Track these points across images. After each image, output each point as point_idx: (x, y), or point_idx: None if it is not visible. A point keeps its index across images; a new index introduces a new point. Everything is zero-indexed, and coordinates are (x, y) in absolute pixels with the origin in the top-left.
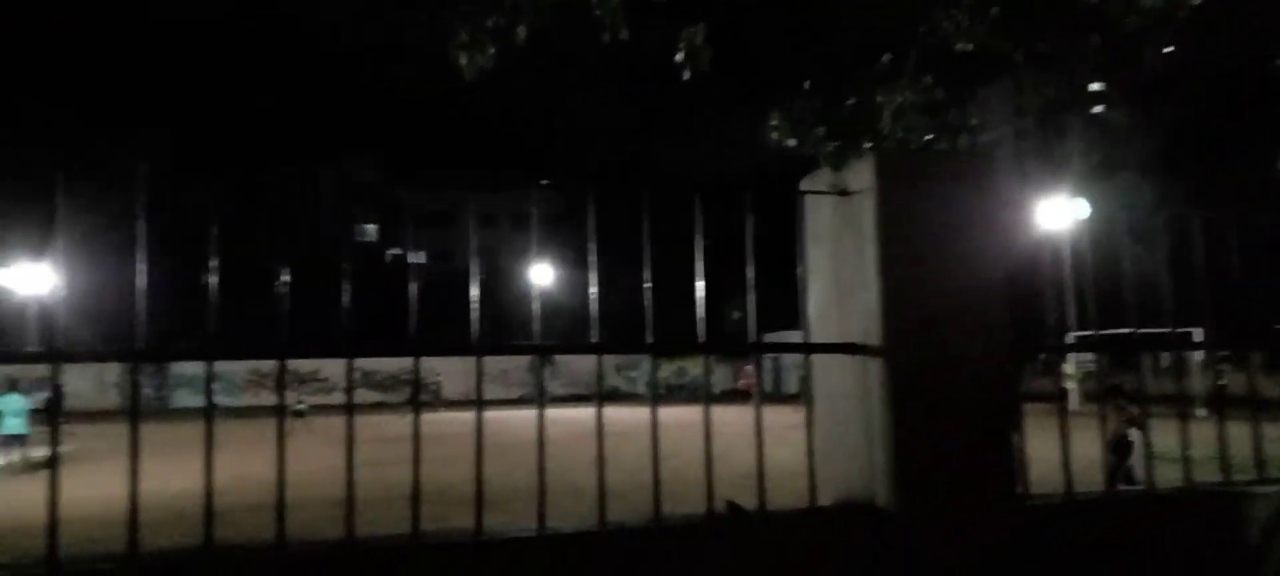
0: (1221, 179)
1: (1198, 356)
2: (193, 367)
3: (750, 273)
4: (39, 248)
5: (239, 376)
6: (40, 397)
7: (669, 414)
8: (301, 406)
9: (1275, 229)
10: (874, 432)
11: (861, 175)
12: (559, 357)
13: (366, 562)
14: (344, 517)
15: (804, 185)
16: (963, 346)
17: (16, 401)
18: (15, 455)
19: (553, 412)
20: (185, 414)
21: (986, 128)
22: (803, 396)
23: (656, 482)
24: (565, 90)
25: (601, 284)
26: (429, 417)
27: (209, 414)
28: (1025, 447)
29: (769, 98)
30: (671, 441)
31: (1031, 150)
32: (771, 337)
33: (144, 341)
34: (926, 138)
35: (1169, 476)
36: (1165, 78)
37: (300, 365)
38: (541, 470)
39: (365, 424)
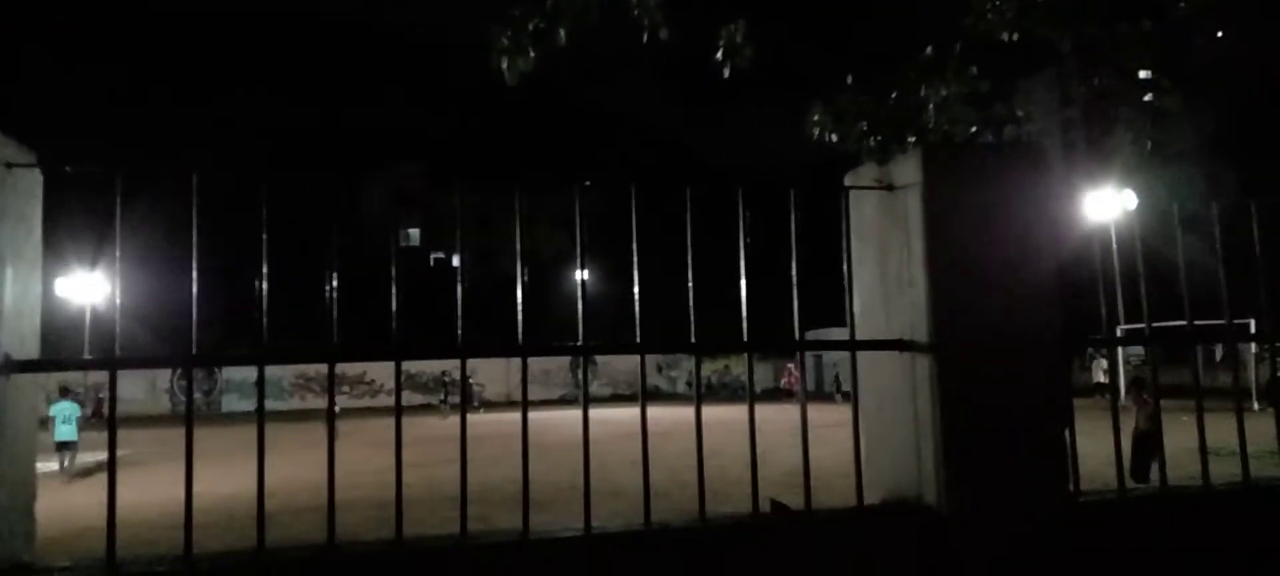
0: (1276, 165)
1: (1253, 348)
2: (241, 372)
3: (794, 270)
4: (92, 256)
5: (286, 381)
6: (92, 403)
7: (711, 413)
8: (337, 409)
9: None
10: (922, 430)
11: (907, 170)
12: (600, 357)
13: (416, 564)
14: (394, 519)
15: (848, 181)
16: (1012, 341)
17: (68, 408)
18: (66, 460)
19: (594, 412)
20: (234, 418)
21: (1032, 119)
22: (839, 393)
23: (702, 482)
24: (606, 91)
25: (643, 283)
26: (471, 419)
27: (261, 418)
28: (1075, 443)
29: (811, 92)
30: (714, 440)
31: (1079, 140)
32: (815, 334)
33: (197, 347)
34: (971, 130)
35: (1226, 472)
36: (1217, 64)
37: (347, 368)
38: (587, 470)
39: (408, 424)
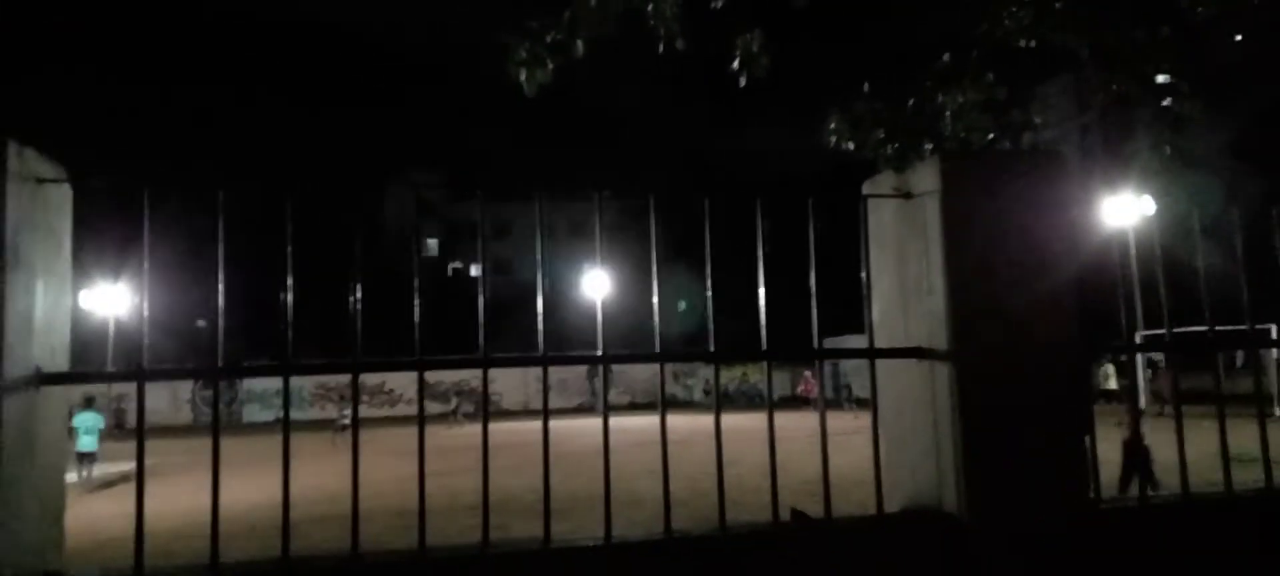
0: None
1: (1275, 354)
2: (262, 382)
3: (813, 278)
4: (116, 268)
5: (306, 390)
6: (112, 414)
7: (729, 421)
8: (344, 420)
9: None
10: (941, 438)
11: (925, 177)
12: (617, 366)
13: (440, 572)
14: (416, 527)
15: (866, 189)
16: (1032, 348)
17: (91, 419)
18: (85, 472)
19: (612, 421)
20: (255, 428)
21: (1049, 124)
22: (847, 401)
23: (721, 491)
24: (624, 100)
25: (663, 291)
26: (475, 429)
27: (286, 429)
28: (1095, 450)
29: (828, 100)
30: (733, 448)
31: (1097, 146)
32: (833, 342)
33: (222, 359)
34: (989, 137)
35: (1247, 479)
36: (1236, 68)
37: (367, 378)
38: (607, 479)
39: (426, 434)
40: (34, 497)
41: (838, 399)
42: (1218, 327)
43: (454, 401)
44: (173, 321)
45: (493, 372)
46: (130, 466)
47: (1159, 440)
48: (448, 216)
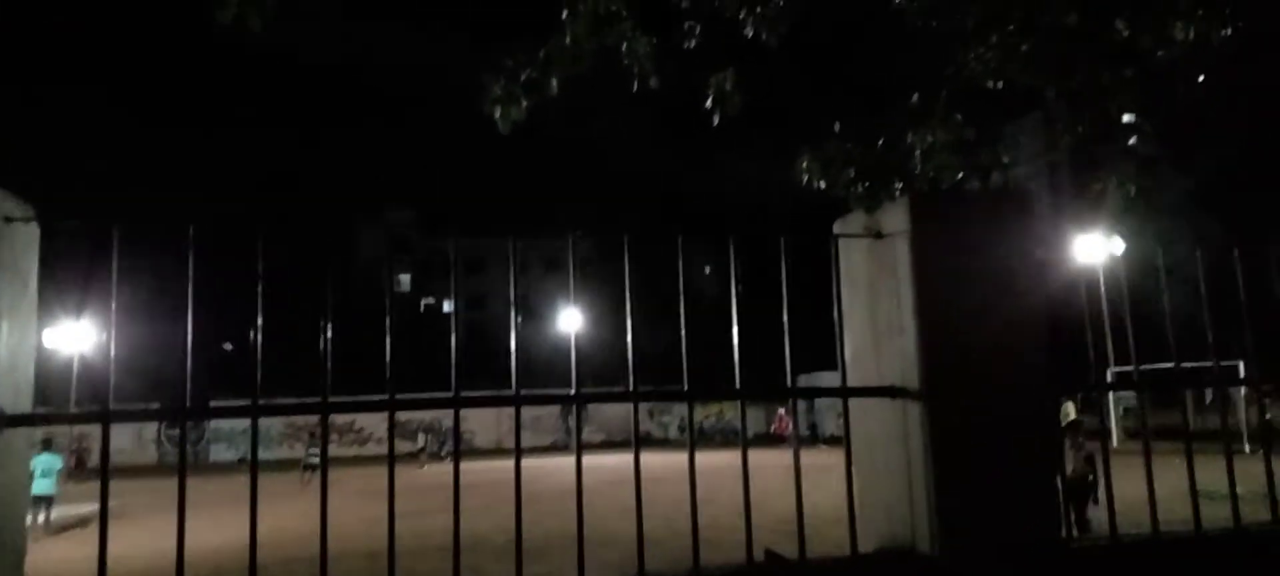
0: (1261, 211)
1: (1243, 391)
2: (228, 421)
3: (785, 317)
4: (78, 306)
5: (274, 429)
6: (71, 453)
7: (704, 458)
8: (313, 458)
9: None
10: (914, 477)
11: (895, 217)
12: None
13: None
14: (386, 571)
15: (837, 228)
16: (1002, 387)
17: (47, 460)
18: (42, 516)
19: (585, 459)
20: (221, 468)
21: (1019, 162)
22: (822, 438)
23: (696, 531)
24: (598, 136)
25: (635, 329)
26: (446, 468)
27: (253, 473)
28: (1065, 490)
29: (800, 137)
30: (707, 487)
31: (1065, 185)
32: (807, 379)
33: (190, 399)
34: (958, 176)
35: (1217, 516)
36: (1201, 108)
37: (336, 416)
38: (580, 519)
39: (396, 473)
40: None
41: (813, 436)
42: (1186, 364)
43: (422, 440)
44: (136, 359)
45: (464, 410)
46: (90, 509)
47: (1126, 477)
48: (420, 251)
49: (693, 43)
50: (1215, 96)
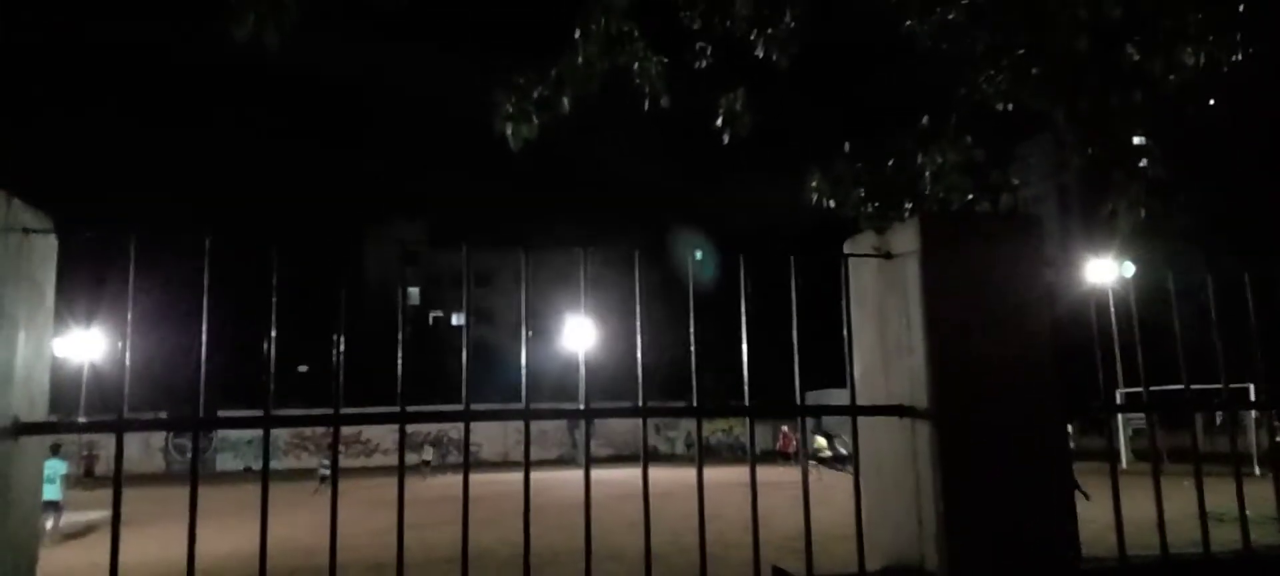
0: (1271, 233)
1: (1253, 413)
2: (236, 431)
3: (795, 336)
4: (89, 315)
5: (282, 440)
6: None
7: (712, 473)
8: (325, 471)
9: None
10: (923, 496)
11: (905, 238)
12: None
13: None
14: None
15: (847, 248)
16: (1011, 407)
17: (53, 465)
18: (50, 522)
19: (593, 473)
20: (229, 477)
21: (1028, 184)
22: (821, 459)
23: (703, 546)
24: (608, 153)
25: (646, 345)
26: (451, 480)
27: (264, 484)
28: (1075, 509)
29: (810, 156)
30: (714, 502)
31: (1075, 207)
32: (815, 396)
33: (202, 409)
34: (968, 197)
35: (1227, 538)
36: (1209, 132)
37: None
38: (588, 533)
39: (391, 485)
40: (8, 549)
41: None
42: (1196, 386)
43: (427, 452)
44: (145, 367)
45: (472, 423)
46: (97, 515)
47: (1135, 498)
48: (430, 264)
49: (704, 63)
50: (1227, 119)
